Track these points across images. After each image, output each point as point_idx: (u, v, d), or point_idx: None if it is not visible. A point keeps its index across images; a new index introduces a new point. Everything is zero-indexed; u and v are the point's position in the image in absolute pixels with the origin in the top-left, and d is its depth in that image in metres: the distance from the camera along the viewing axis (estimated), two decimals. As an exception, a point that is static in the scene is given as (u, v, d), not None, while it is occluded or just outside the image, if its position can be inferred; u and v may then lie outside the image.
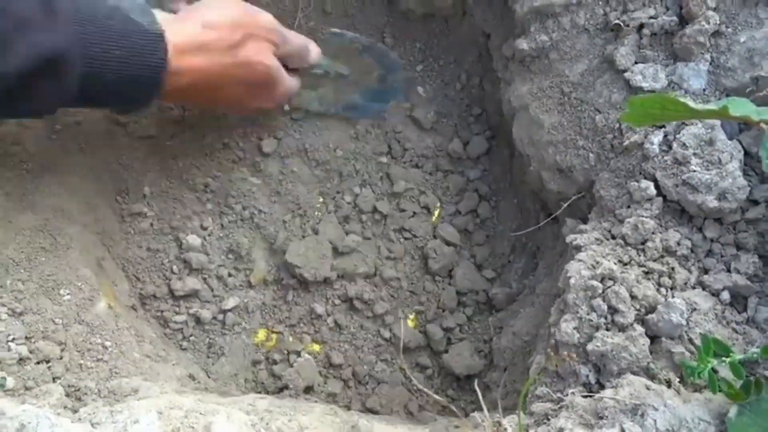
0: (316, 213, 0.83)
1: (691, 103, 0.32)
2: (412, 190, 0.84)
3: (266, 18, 0.68)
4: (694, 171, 0.57)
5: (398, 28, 0.86)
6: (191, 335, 0.77)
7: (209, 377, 0.74)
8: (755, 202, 0.57)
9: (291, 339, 0.80)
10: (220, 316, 0.79)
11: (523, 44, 0.68)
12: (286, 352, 0.79)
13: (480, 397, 0.55)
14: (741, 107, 0.33)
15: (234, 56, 0.64)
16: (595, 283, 0.54)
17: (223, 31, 0.63)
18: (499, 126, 0.85)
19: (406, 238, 0.84)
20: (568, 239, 0.63)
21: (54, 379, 0.56)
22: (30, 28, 0.49)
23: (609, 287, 0.54)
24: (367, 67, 0.82)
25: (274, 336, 0.80)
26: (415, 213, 0.84)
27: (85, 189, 0.72)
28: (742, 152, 0.57)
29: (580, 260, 0.57)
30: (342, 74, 0.81)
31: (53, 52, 0.50)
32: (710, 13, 0.57)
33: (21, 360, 0.56)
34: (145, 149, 0.79)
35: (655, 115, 0.36)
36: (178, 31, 0.59)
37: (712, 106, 0.32)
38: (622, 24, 0.61)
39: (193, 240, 0.79)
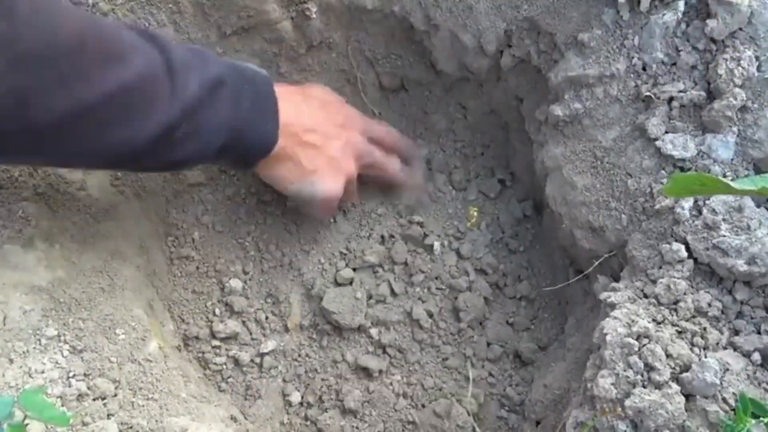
0: (351, 262, 0.87)
1: (731, 183, 0.36)
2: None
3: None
4: (724, 236, 0.60)
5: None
6: (230, 377, 0.80)
7: (246, 419, 0.76)
8: (783, 266, 0.60)
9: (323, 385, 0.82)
10: (258, 359, 0.81)
11: (557, 110, 0.73)
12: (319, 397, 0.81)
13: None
14: (780, 187, 0.36)
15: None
16: (631, 340, 0.57)
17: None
18: (529, 184, 0.89)
19: (438, 288, 0.87)
20: (601, 296, 0.65)
21: (109, 416, 0.59)
22: (194, 63, 0.60)
23: (645, 345, 0.57)
24: None
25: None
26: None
27: (139, 232, 0.77)
28: (770, 219, 0.60)
29: (615, 318, 0.60)
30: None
31: (217, 77, 0.62)
32: (737, 90, 0.61)
33: (80, 396, 0.58)
34: (195, 196, 0.83)
35: (694, 189, 0.39)
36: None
37: (750, 186, 0.35)
38: (653, 96, 0.65)
39: (235, 284, 0.82)
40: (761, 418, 0.45)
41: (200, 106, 0.59)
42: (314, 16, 0.82)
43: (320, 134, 0.73)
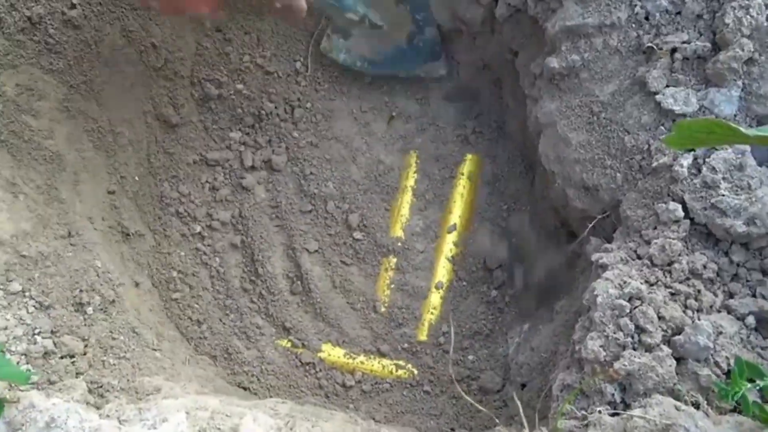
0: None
1: (744, 129, 0.33)
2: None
3: None
4: (723, 195, 0.57)
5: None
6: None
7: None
8: (783, 229, 0.58)
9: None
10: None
11: (553, 62, 0.69)
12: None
13: (521, 410, 0.55)
14: (790, 134, 0.33)
15: None
16: (622, 302, 0.55)
17: None
18: (521, 142, 0.85)
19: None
20: (593, 257, 0.63)
21: (77, 375, 0.56)
22: None
23: (636, 307, 0.54)
24: (401, 21, 0.80)
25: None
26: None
27: (111, 183, 0.73)
28: (772, 178, 0.58)
29: (607, 279, 0.57)
30: (376, 25, 0.79)
31: None
32: (744, 40, 0.57)
33: (46, 354, 0.56)
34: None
35: (700, 138, 0.36)
36: None
37: (764, 132, 0.32)
38: (655, 47, 0.62)
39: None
40: (757, 382, 0.43)
41: None
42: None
43: None
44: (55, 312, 0.59)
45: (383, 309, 0.83)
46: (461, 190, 0.87)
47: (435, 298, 0.84)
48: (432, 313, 0.83)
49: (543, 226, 0.83)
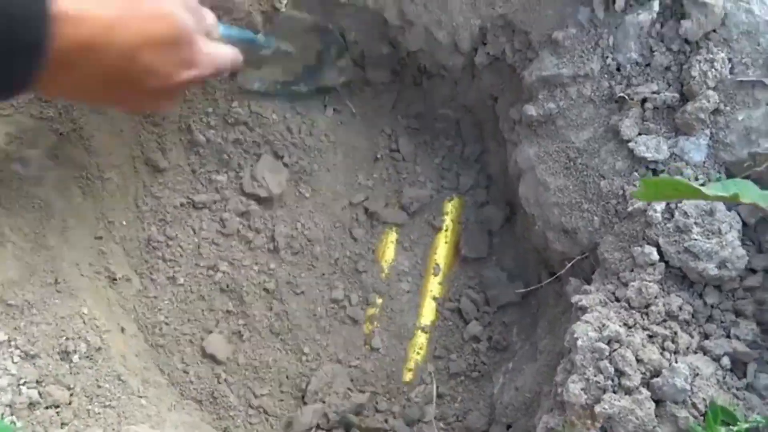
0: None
1: (704, 189, 0.35)
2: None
3: None
4: (696, 239, 0.60)
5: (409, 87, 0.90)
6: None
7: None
8: (753, 271, 0.60)
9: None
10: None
11: (531, 110, 0.72)
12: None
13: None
14: (749, 193, 0.35)
15: (138, 3, 0.49)
16: (602, 345, 0.56)
17: None
18: (503, 184, 0.87)
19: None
20: (573, 299, 0.64)
21: (62, 425, 0.56)
22: None
23: (615, 350, 0.56)
24: (309, 44, 0.83)
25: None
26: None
27: (98, 230, 0.74)
28: (741, 223, 0.60)
29: (587, 321, 0.59)
30: (287, 51, 0.81)
31: None
32: (710, 92, 0.60)
33: (31, 404, 0.56)
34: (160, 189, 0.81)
35: (666, 194, 0.38)
36: None
37: (722, 192, 0.34)
38: (626, 97, 0.65)
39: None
40: (731, 426, 0.44)
41: None
42: (284, 8, 0.79)
43: (132, 31, 0.49)
44: (40, 361, 0.59)
45: (369, 348, 0.83)
46: (444, 231, 0.89)
47: (421, 338, 0.85)
48: (418, 353, 0.84)
49: (522, 269, 0.85)
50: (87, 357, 0.62)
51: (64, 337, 0.62)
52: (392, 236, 0.88)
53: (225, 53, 0.60)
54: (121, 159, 0.77)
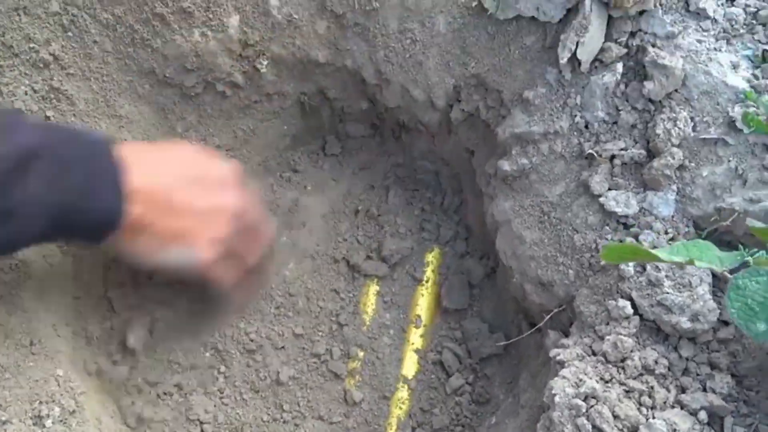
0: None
1: (661, 254, 0.36)
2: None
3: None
4: (668, 293, 0.61)
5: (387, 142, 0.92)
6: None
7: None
8: (725, 323, 0.61)
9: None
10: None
11: (505, 165, 0.74)
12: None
13: None
14: (706, 255, 0.37)
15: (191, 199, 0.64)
16: (578, 402, 0.56)
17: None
18: (481, 236, 0.89)
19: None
20: (551, 354, 0.65)
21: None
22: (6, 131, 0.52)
23: (592, 406, 0.56)
24: None
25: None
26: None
27: (75, 290, 0.73)
28: (711, 275, 0.61)
29: (564, 377, 0.59)
30: None
31: (25, 149, 0.52)
32: (674, 149, 0.63)
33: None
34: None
35: (627, 258, 0.39)
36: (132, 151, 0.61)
37: (679, 258, 0.36)
38: (595, 154, 0.67)
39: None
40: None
41: (3, 183, 0.51)
42: (265, 69, 0.82)
43: (186, 196, 0.63)
44: (12, 427, 0.58)
45: (352, 402, 0.83)
46: (425, 283, 0.89)
47: (403, 392, 0.84)
48: (400, 408, 0.83)
49: (503, 320, 0.85)
50: (61, 421, 0.61)
51: (38, 401, 0.61)
52: (373, 288, 0.89)
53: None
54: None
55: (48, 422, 0.60)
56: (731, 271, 0.52)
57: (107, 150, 0.58)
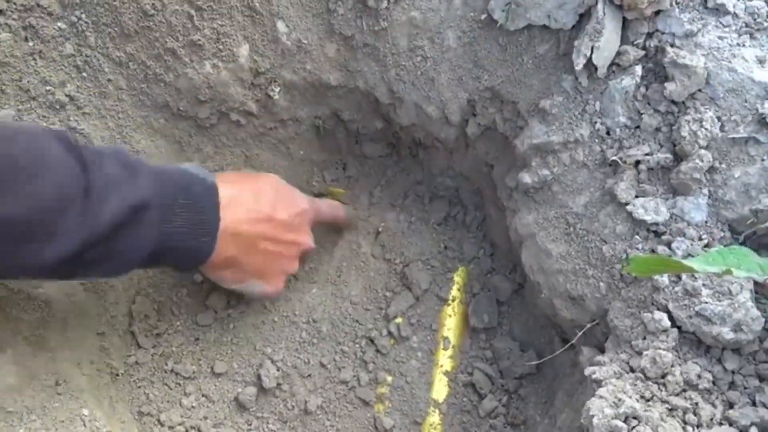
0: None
1: (695, 265, 0.33)
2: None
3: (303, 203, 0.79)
4: (706, 302, 0.57)
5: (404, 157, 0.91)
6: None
7: None
8: (772, 332, 0.57)
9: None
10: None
11: (526, 177, 0.72)
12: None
13: None
14: (744, 263, 0.34)
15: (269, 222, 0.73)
16: (618, 423, 0.53)
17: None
18: (506, 251, 0.86)
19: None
20: (586, 372, 0.62)
21: None
22: (118, 184, 0.58)
23: (634, 427, 0.53)
24: None
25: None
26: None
27: (100, 329, 0.73)
28: (752, 282, 0.58)
29: (601, 397, 0.56)
30: None
31: (140, 201, 0.58)
32: (702, 151, 0.60)
33: None
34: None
35: (657, 270, 0.37)
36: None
37: (715, 269, 0.33)
38: (619, 161, 0.64)
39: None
40: None
41: (115, 232, 0.57)
42: (278, 96, 0.82)
43: (267, 239, 0.72)
44: (39, 470, 0.57)
45: (383, 429, 0.80)
46: (452, 302, 0.87)
47: (435, 417, 0.81)
48: (432, 433, 0.80)
49: (535, 338, 0.82)
50: (87, 462, 0.61)
51: (64, 443, 0.61)
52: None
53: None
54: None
55: (75, 463, 0.60)
56: (773, 277, 0.48)
57: (209, 195, 0.66)
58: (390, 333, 0.85)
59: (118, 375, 0.74)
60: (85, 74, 0.72)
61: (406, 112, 0.82)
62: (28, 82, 0.69)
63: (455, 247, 0.90)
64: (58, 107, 0.70)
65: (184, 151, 0.82)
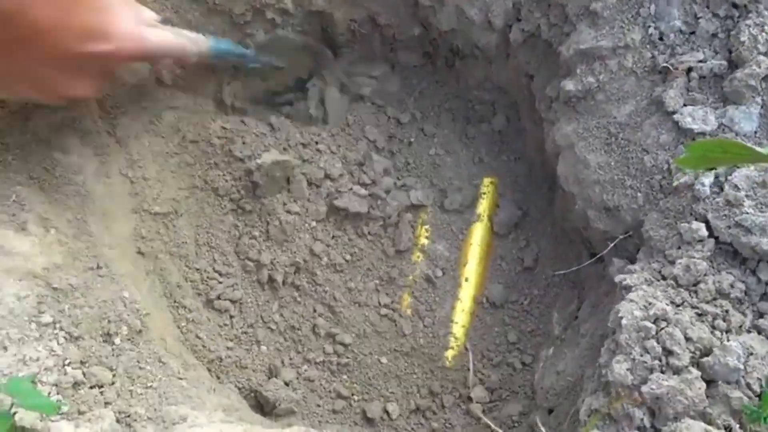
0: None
1: (759, 148, 0.32)
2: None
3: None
4: (747, 213, 0.57)
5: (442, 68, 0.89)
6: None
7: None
8: (811, 247, 0.57)
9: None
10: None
11: (569, 85, 0.70)
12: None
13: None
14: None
15: None
16: (648, 324, 0.54)
17: None
18: (540, 164, 0.85)
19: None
20: (617, 279, 0.62)
21: (106, 404, 0.57)
22: None
23: (663, 328, 0.54)
24: (301, 61, 0.87)
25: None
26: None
27: (137, 216, 0.75)
28: (797, 195, 0.57)
29: (632, 300, 0.57)
30: (277, 66, 0.85)
31: None
32: (761, 57, 0.57)
33: (76, 384, 0.57)
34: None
35: (715, 159, 0.36)
36: None
37: (783, 151, 0.32)
38: (670, 67, 0.62)
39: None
40: (790, 404, 0.42)
41: None
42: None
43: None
44: (84, 343, 0.60)
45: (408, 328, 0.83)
46: (480, 217, 0.87)
47: (458, 330, 0.83)
48: (456, 340, 0.83)
49: (566, 249, 0.83)
50: (128, 339, 0.63)
51: (107, 320, 0.63)
52: (425, 220, 0.87)
53: (160, 36, 0.56)
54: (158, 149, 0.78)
55: (116, 340, 0.63)
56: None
57: None
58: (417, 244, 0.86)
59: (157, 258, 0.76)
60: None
61: (446, 15, 0.79)
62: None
63: (489, 161, 0.89)
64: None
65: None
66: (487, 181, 0.89)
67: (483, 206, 0.88)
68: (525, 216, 0.86)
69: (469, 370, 0.79)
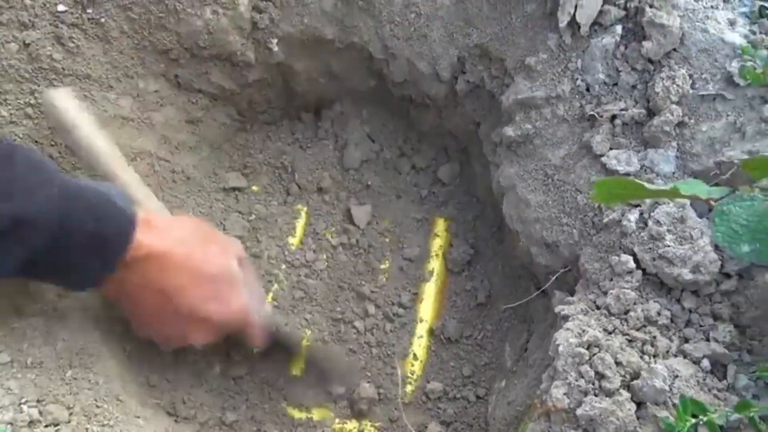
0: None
1: (647, 185, 0.37)
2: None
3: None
4: (669, 246, 0.62)
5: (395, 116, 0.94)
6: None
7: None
8: (727, 275, 0.62)
9: None
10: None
11: (510, 131, 0.75)
12: None
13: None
14: (691, 188, 0.38)
15: (196, 247, 0.67)
16: (582, 350, 0.58)
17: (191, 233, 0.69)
18: (490, 205, 0.90)
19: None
20: (556, 310, 0.66)
21: (61, 443, 0.58)
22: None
23: (595, 354, 0.58)
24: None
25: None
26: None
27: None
28: (711, 226, 0.62)
29: (567, 329, 0.61)
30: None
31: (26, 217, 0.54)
32: (674, 107, 0.64)
33: (32, 422, 0.57)
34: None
35: (619, 194, 0.41)
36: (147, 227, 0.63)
37: (665, 187, 0.37)
38: (597, 115, 0.68)
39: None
40: (700, 417, 0.46)
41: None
42: (276, 48, 0.85)
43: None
44: (40, 380, 0.61)
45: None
46: (435, 257, 0.91)
47: (416, 366, 0.86)
48: (411, 374, 0.85)
49: (512, 287, 0.87)
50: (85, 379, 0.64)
51: (65, 360, 0.64)
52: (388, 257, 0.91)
53: (253, 310, 0.72)
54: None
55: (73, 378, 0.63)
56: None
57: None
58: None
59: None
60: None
61: (398, 68, 0.85)
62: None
63: (439, 203, 0.94)
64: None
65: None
66: (440, 221, 0.93)
67: (437, 245, 0.92)
68: (477, 254, 0.91)
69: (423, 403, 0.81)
